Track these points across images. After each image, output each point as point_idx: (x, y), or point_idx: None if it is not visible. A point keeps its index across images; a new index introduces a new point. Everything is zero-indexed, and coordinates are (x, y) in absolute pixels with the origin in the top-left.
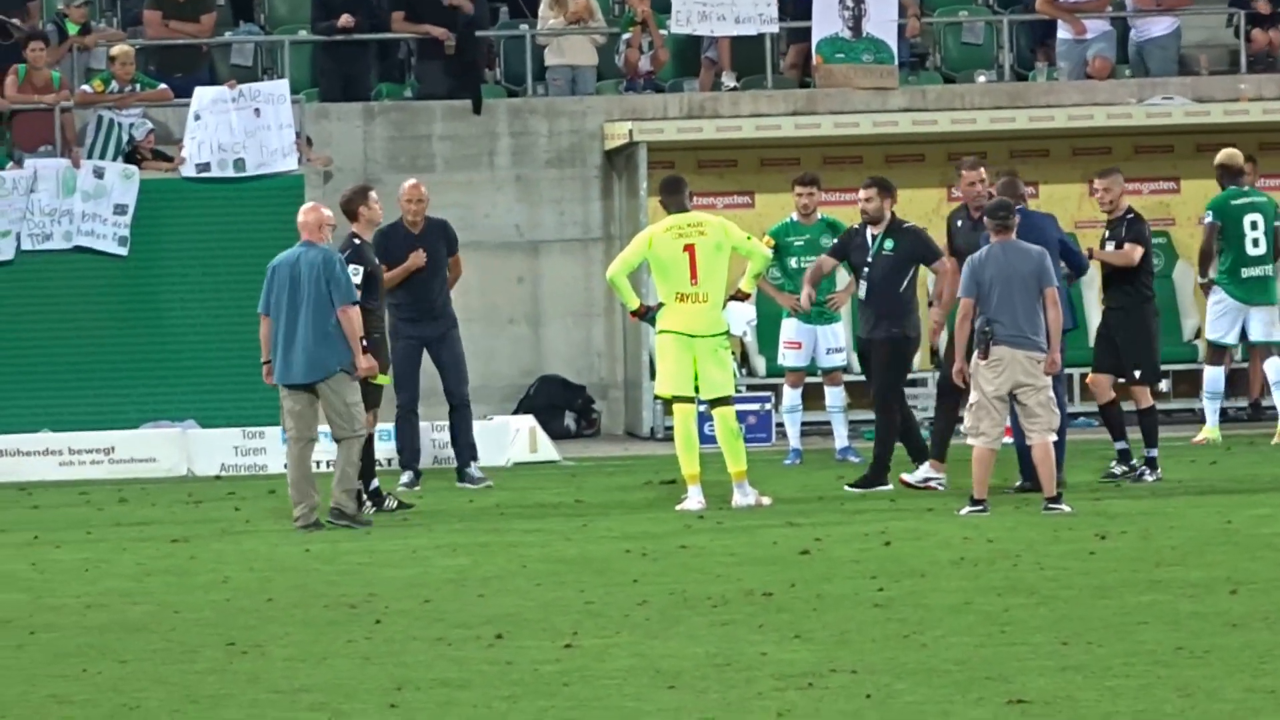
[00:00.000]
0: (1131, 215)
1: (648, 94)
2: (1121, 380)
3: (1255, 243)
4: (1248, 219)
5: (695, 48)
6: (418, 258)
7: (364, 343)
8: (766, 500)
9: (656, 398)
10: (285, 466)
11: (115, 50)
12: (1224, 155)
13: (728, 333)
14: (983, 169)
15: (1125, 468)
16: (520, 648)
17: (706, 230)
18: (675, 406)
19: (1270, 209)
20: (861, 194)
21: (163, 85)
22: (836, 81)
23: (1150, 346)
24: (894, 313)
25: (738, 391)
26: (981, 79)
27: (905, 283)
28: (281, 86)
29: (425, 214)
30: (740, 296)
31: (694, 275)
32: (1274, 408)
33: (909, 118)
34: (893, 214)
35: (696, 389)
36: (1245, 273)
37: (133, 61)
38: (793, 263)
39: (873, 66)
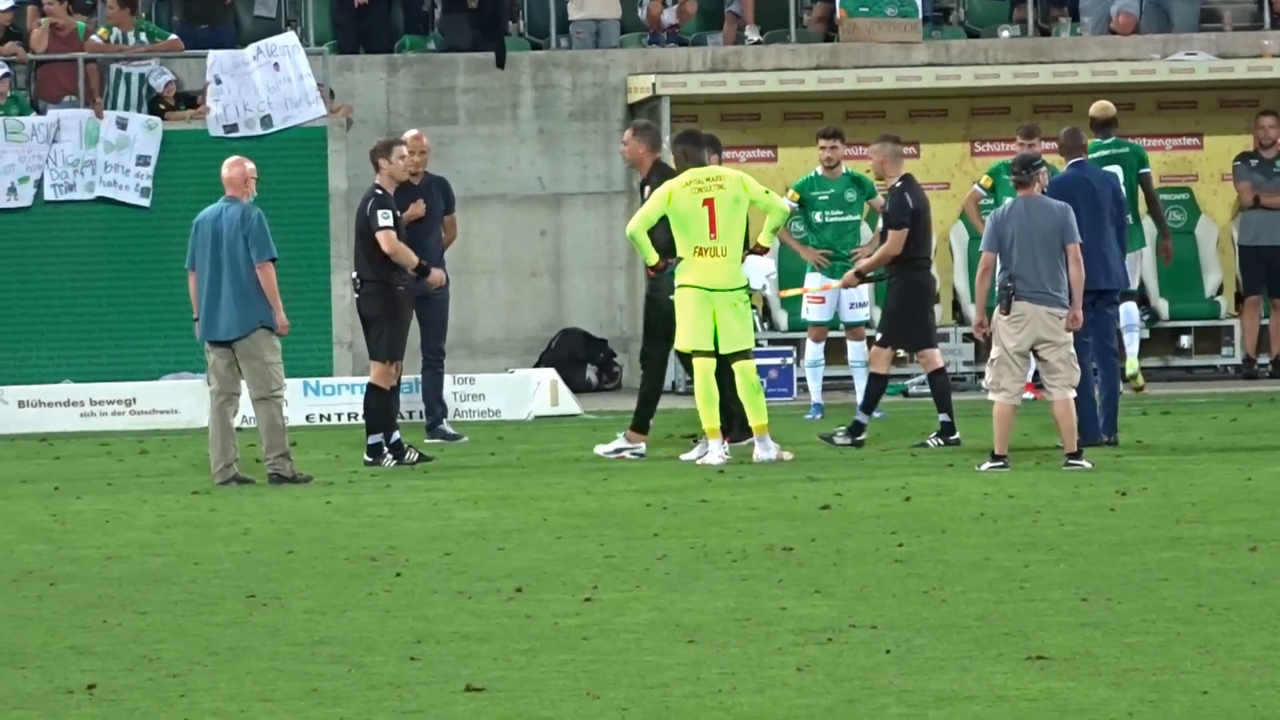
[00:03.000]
0: (900, 184)
1: (671, 47)
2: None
3: None
4: (1108, 170)
5: (719, 1)
6: (417, 208)
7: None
8: (788, 455)
9: (676, 352)
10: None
11: None
12: (1094, 107)
13: (747, 287)
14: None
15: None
16: (540, 601)
17: (725, 184)
18: (695, 361)
19: (1133, 159)
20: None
21: (173, 35)
22: (860, 35)
23: (901, 314)
24: None
25: (758, 346)
26: (1005, 34)
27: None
28: (290, 38)
29: (426, 169)
30: (759, 250)
31: (713, 229)
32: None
33: (932, 72)
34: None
35: (716, 343)
36: None
37: (131, 7)
38: (817, 217)
39: (897, 20)
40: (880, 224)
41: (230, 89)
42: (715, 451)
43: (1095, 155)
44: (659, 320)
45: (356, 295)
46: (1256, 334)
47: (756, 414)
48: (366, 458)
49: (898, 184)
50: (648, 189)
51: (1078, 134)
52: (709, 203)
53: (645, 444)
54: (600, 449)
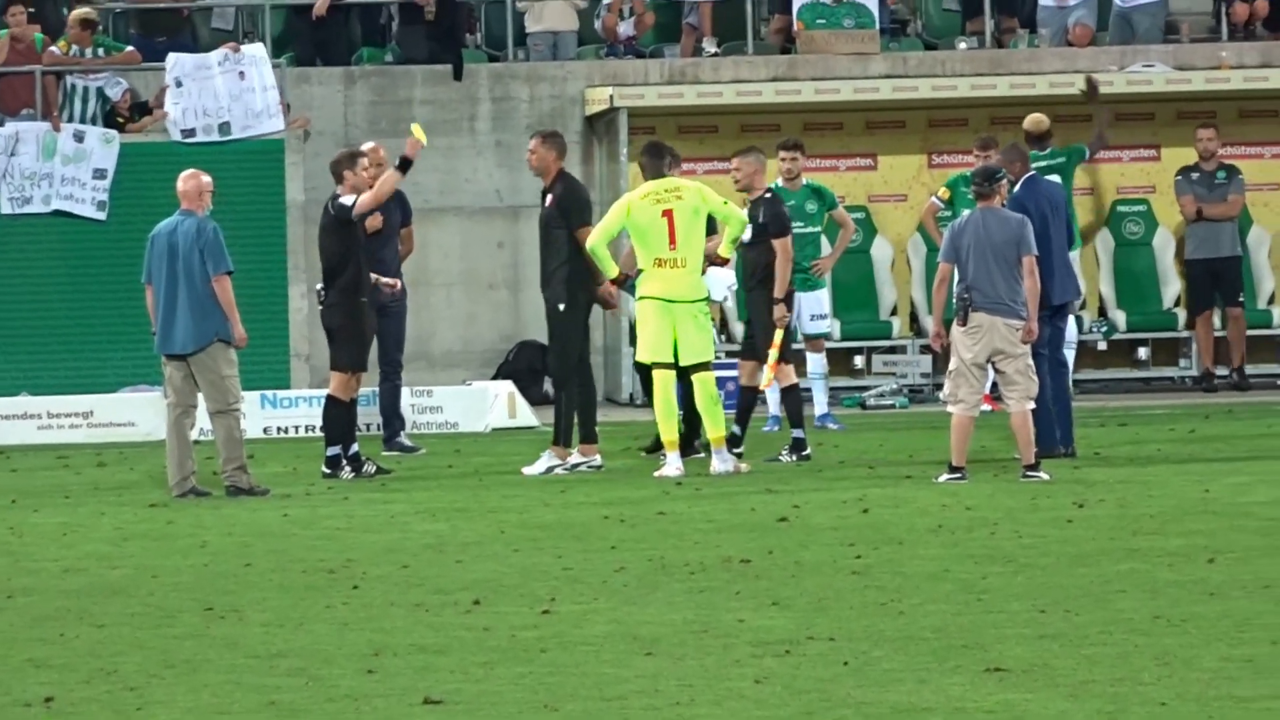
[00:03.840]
0: (769, 195)
1: (629, 59)
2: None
3: None
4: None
5: (676, 13)
6: (374, 220)
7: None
8: (745, 467)
9: (636, 364)
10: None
11: (74, 15)
12: (1028, 121)
13: (708, 298)
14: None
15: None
16: (498, 613)
17: (684, 195)
18: (655, 373)
19: (1069, 167)
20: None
21: (130, 48)
22: (818, 47)
23: (770, 328)
24: None
25: (717, 357)
26: (962, 46)
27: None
28: (259, 49)
29: None
30: (719, 261)
31: (672, 240)
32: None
33: (890, 84)
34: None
35: (676, 355)
36: None
37: (87, 28)
38: None
39: (854, 32)
40: (749, 234)
41: (191, 92)
42: (673, 464)
43: (1035, 166)
44: (566, 332)
45: (321, 306)
46: (1212, 347)
47: (714, 426)
48: (325, 469)
49: (766, 195)
50: (549, 197)
51: (1020, 149)
52: (668, 214)
53: (599, 455)
54: (528, 470)
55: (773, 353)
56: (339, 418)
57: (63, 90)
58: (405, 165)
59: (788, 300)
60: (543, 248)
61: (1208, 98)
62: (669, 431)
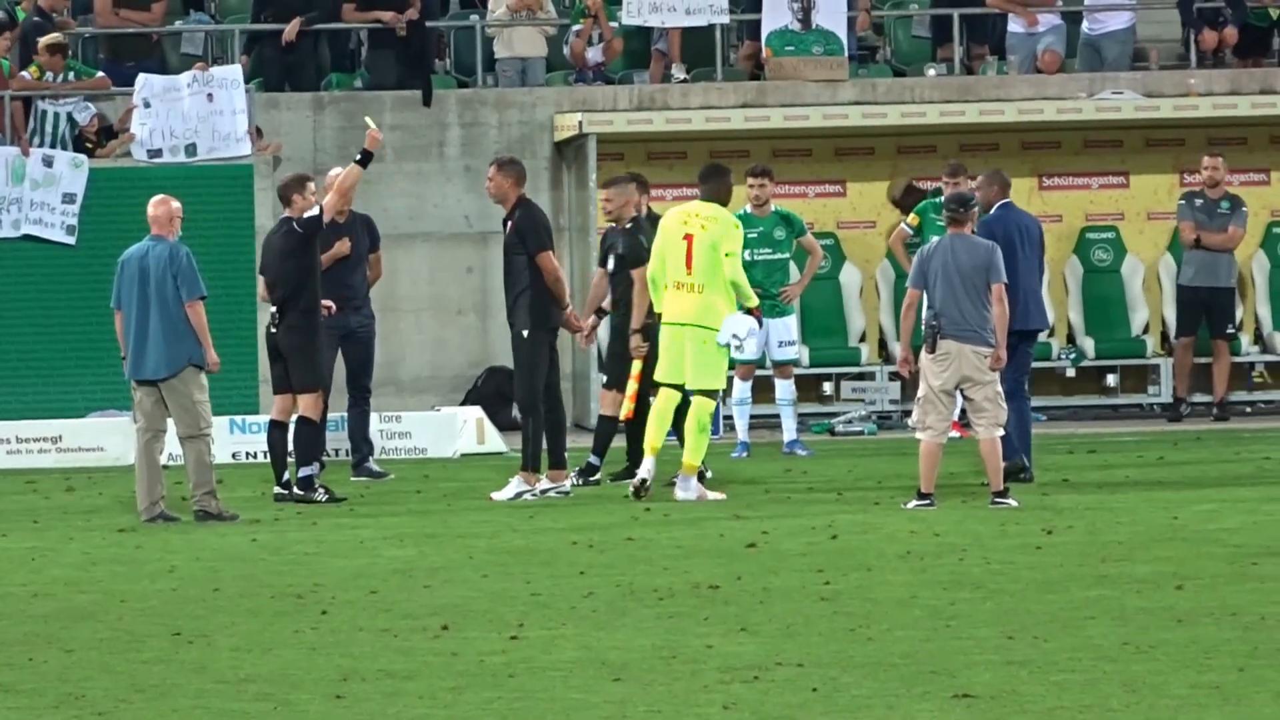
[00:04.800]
0: (630, 226)
1: (598, 85)
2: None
3: None
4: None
5: (645, 39)
6: (342, 246)
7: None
8: (711, 496)
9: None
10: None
11: (44, 42)
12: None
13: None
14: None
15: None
16: (466, 639)
17: (708, 227)
18: (660, 390)
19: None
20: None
21: (100, 74)
22: (787, 74)
23: (626, 358)
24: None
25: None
26: (931, 72)
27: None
28: (234, 72)
29: (351, 207)
30: (752, 312)
31: (689, 265)
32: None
33: (859, 110)
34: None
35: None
36: None
37: (58, 54)
38: (746, 255)
39: (823, 58)
40: (611, 264)
41: (159, 113)
42: (646, 467)
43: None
44: (531, 358)
45: (274, 331)
46: (1189, 374)
47: (692, 453)
48: (297, 490)
49: (628, 226)
50: (509, 223)
51: (1002, 174)
52: (688, 238)
53: (569, 480)
54: (497, 495)
55: (631, 383)
56: (310, 438)
57: (33, 115)
58: (366, 159)
59: (755, 317)
60: (505, 275)
61: (1177, 125)
62: (654, 438)
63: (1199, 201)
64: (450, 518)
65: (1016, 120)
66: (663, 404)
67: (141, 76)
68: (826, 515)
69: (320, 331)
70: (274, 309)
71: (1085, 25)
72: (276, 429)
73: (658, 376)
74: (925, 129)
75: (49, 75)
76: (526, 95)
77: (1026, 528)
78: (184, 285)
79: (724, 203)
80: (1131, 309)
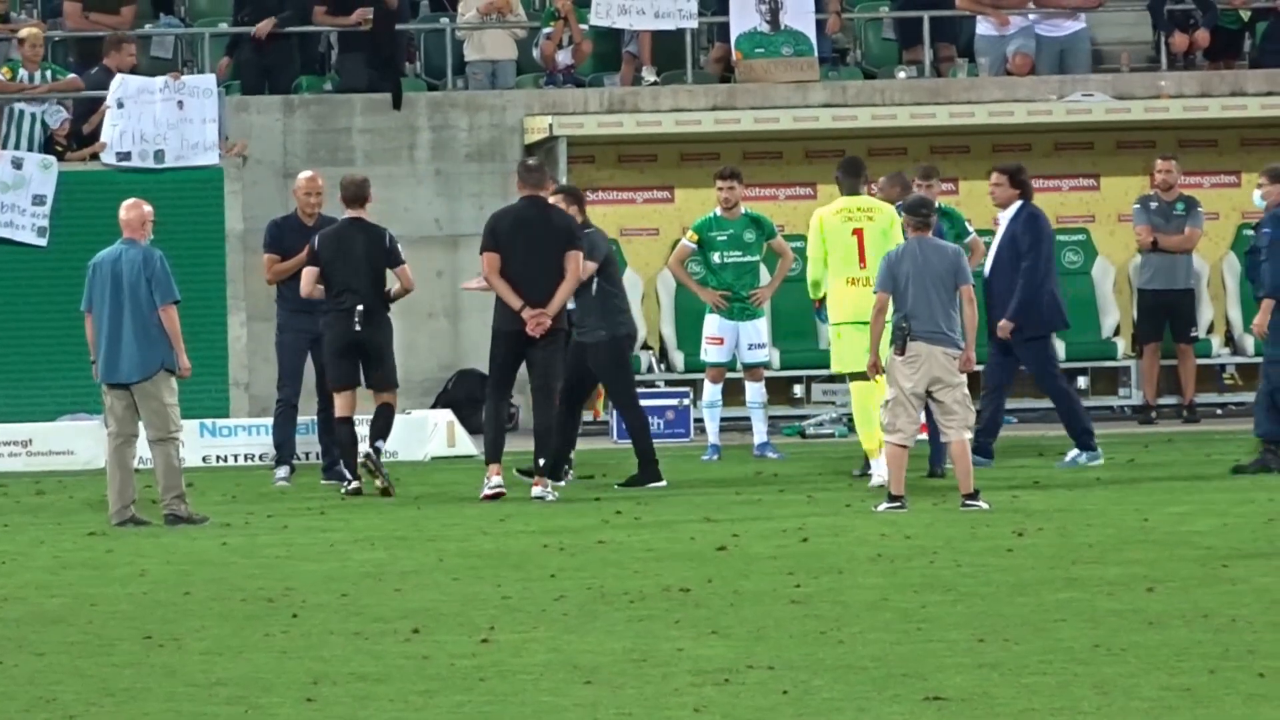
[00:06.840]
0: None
1: (568, 88)
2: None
3: None
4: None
5: (616, 42)
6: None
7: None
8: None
9: (839, 375)
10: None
11: (23, 33)
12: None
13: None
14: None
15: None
16: (437, 642)
17: (875, 216)
18: (853, 385)
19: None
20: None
21: (72, 75)
22: (757, 76)
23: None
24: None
25: (656, 388)
26: (902, 75)
27: (595, 286)
28: (208, 81)
29: (321, 210)
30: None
31: (862, 259)
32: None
33: (829, 113)
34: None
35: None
36: None
37: (41, 44)
38: (715, 258)
39: (793, 59)
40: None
41: (131, 115)
42: (878, 470)
43: None
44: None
45: (358, 329)
46: (1156, 379)
47: (866, 438)
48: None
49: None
50: None
51: (903, 176)
52: (858, 233)
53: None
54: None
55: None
56: (391, 419)
57: (6, 117)
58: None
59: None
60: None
61: (1147, 127)
62: (869, 440)
63: (1154, 205)
64: (421, 521)
65: (987, 123)
66: (864, 399)
67: (119, 76)
68: (797, 518)
69: (321, 334)
70: (360, 307)
71: (1039, 28)
72: (344, 425)
73: (847, 368)
74: (896, 131)
75: (23, 74)
76: (497, 98)
77: (997, 530)
78: (158, 289)
79: (856, 192)
80: (1102, 311)
